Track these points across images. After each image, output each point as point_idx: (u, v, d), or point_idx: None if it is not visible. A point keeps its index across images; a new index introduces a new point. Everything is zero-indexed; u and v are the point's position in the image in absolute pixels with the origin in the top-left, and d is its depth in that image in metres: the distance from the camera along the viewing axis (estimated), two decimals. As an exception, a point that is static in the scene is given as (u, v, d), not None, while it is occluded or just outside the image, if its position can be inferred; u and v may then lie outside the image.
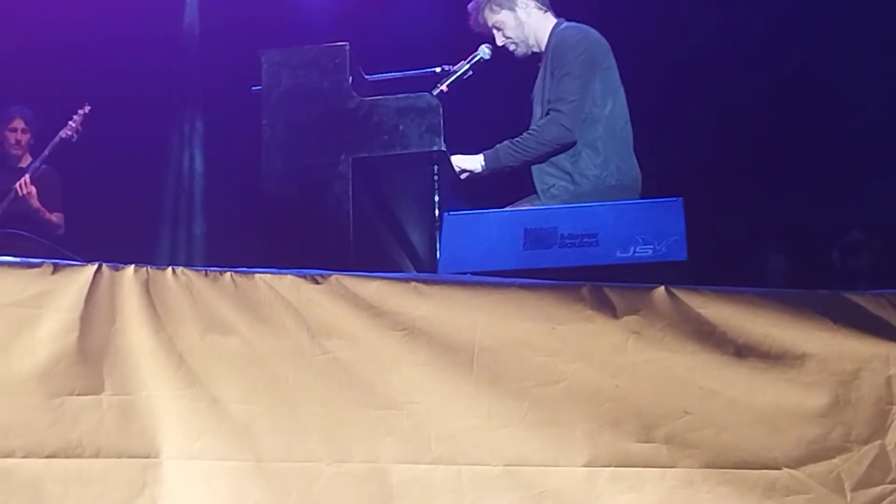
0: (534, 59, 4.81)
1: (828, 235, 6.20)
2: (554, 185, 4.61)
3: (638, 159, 4.72)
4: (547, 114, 4.62)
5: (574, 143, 4.57)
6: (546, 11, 4.78)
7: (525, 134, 4.63)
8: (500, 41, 4.79)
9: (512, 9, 4.76)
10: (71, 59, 7.08)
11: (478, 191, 4.80)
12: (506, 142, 4.66)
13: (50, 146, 6.61)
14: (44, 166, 6.60)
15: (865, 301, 2.99)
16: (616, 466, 2.83)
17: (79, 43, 7.12)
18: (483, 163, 4.67)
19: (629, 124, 4.71)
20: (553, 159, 4.62)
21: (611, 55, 4.69)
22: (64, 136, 6.62)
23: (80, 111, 6.66)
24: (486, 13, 4.78)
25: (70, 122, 6.64)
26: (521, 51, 4.81)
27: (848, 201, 6.24)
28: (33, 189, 6.52)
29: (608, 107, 4.61)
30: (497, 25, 4.79)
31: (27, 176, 6.55)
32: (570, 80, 4.57)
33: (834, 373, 2.91)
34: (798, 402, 2.87)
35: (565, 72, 4.58)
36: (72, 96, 6.81)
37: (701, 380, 2.88)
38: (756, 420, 2.86)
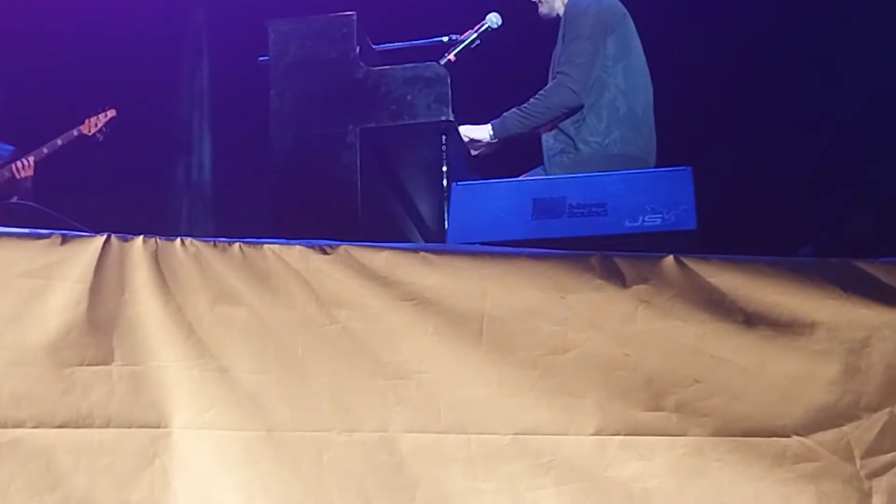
0: (552, 24, 4.78)
1: (838, 210, 6.19)
2: (559, 151, 4.60)
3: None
4: (555, 78, 4.60)
5: (582, 107, 4.55)
6: None
7: (532, 99, 4.61)
8: None
9: None
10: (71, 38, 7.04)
11: (486, 161, 4.79)
12: (513, 109, 4.65)
13: (64, 138, 6.47)
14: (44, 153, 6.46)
15: (876, 269, 2.98)
16: (626, 435, 2.83)
17: (88, 16, 7.09)
18: (491, 132, 4.66)
19: (647, 95, 4.67)
20: (559, 125, 4.60)
21: (627, 21, 4.66)
22: (86, 133, 6.48)
23: (105, 113, 6.52)
24: None
25: (91, 120, 6.49)
26: (544, 10, 4.80)
27: (859, 175, 6.22)
28: (32, 173, 6.41)
29: (619, 73, 4.58)
30: None
31: (32, 159, 6.44)
32: (578, 43, 4.55)
33: (844, 341, 2.90)
34: (808, 371, 2.87)
35: (574, 35, 4.57)
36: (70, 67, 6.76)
37: (711, 348, 2.88)
38: (766, 388, 2.86)
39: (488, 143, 4.72)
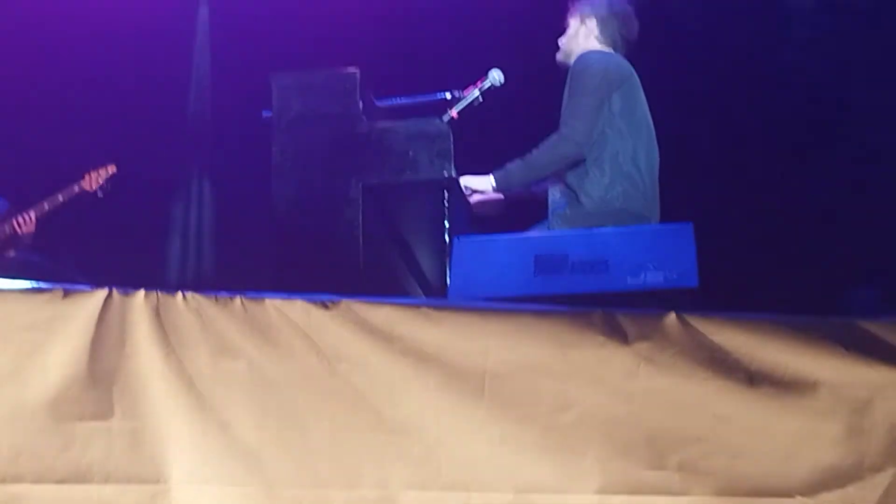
0: (558, 77, 4.83)
1: (842, 268, 6.18)
2: (563, 205, 4.61)
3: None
4: (558, 130, 4.63)
5: (584, 160, 4.57)
6: (603, 43, 4.79)
7: (534, 150, 4.63)
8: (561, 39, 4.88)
9: (581, 20, 4.85)
10: (77, 85, 7.08)
11: (489, 216, 4.80)
12: (516, 160, 4.66)
13: (65, 194, 6.46)
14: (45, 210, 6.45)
15: (878, 328, 2.97)
16: (628, 494, 2.81)
17: (87, 71, 7.13)
18: (493, 183, 4.68)
19: (651, 153, 4.69)
20: (564, 179, 4.62)
21: (633, 81, 4.70)
22: (88, 189, 6.47)
23: (105, 169, 6.53)
24: (570, 9, 4.90)
25: (92, 176, 6.50)
26: (561, 57, 4.86)
27: (863, 233, 6.23)
28: (33, 229, 6.40)
29: (623, 130, 4.61)
30: (566, 25, 4.89)
31: (33, 213, 6.43)
32: (583, 97, 4.58)
33: (847, 400, 2.89)
34: (811, 430, 2.86)
35: (580, 89, 4.60)
36: (75, 123, 6.79)
37: (713, 406, 2.86)
38: (769, 447, 2.84)
39: (490, 195, 4.73)
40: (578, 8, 4.89)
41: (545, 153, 4.61)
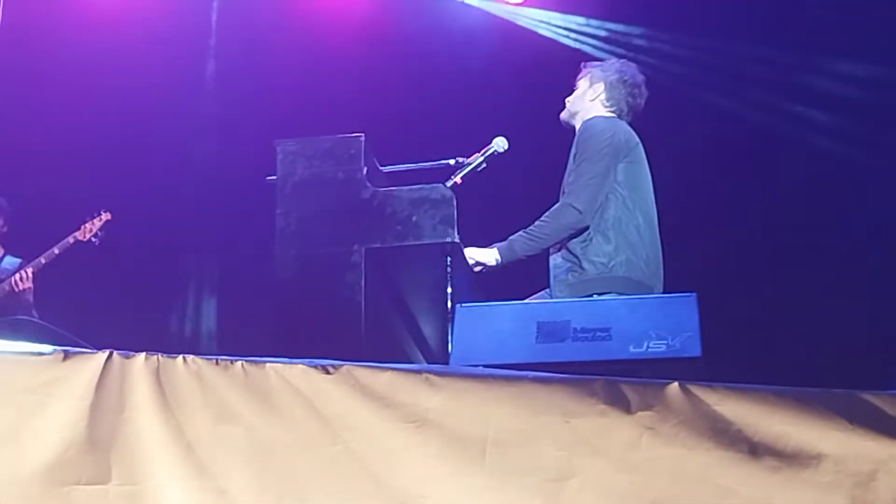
0: (567, 134, 4.85)
1: (847, 336, 6.17)
2: (565, 270, 4.60)
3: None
4: (562, 197, 4.63)
5: (587, 228, 4.57)
6: (609, 108, 4.82)
7: (538, 221, 4.63)
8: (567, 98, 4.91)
9: (590, 82, 4.88)
10: (80, 148, 7.10)
11: (491, 281, 4.79)
12: (519, 232, 4.66)
13: (60, 247, 6.45)
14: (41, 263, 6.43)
15: (882, 401, 2.95)
16: (630, 566, 2.78)
17: (90, 129, 7.17)
18: (498, 257, 4.67)
19: (653, 224, 4.70)
20: (567, 245, 4.61)
21: (639, 150, 4.71)
22: (81, 238, 6.47)
23: (99, 217, 6.54)
24: (582, 71, 4.93)
25: (86, 226, 6.49)
26: (564, 116, 4.88)
27: (874, 298, 6.22)
28: (31, 285, 6.37)
29: (627, 198, 4.61)
30: (575, 85, 4.91)
31: (30, 270, 6.41)
32: (587, 164, 4.59)
33: (850, 474, 2.86)
34: (815, 503, 2.83)
35: (586, 156, 4.61)
36: (76, 180, 6.81)
37: (717, 478, 2.84)
38: (774, 521, 2.81)
39: (492, 266, 4.72)
40: (589, 71, 4.92)
41: (549, 223, 4.61)
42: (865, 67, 6.57)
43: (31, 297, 6.36)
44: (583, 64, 5.00)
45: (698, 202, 6.20)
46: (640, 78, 4.91)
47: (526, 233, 4.65)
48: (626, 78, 4.86)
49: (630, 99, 4.84)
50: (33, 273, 6.38)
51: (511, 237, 4.67)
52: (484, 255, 4.68)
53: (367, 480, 2.84)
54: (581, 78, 4.93)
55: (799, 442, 2.88)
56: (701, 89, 6.94)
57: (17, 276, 6.34)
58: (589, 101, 4.85)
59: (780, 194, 6.60)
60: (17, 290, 6.32)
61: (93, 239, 6.47)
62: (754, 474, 2.85)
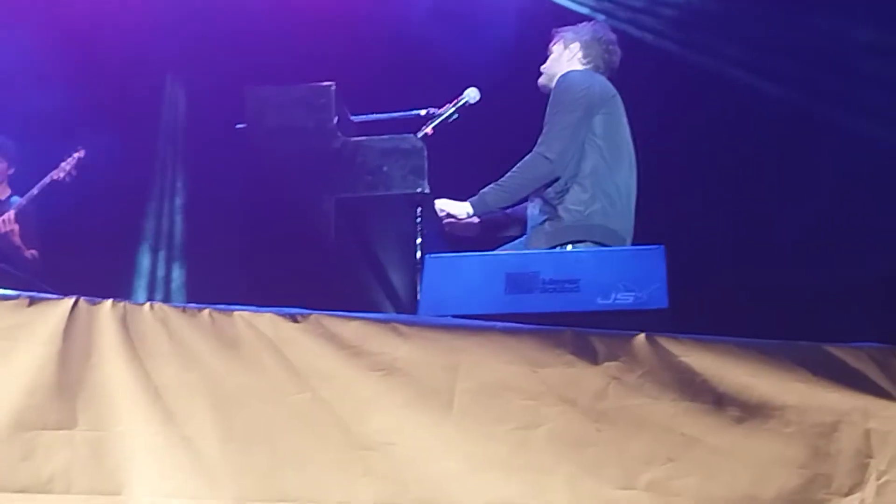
0: (542, 96, 4.84)
1: (811, 291, 6.22)
2: (542, 221, 4.61)
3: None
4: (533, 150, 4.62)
5: (558, 178, 4.56)
6: (585, 64, 4.82)
7: (509, 173, 4.62)
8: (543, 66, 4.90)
9: (564, 45, 4.86)
10: (57, 91, 7.04)
11: (465, 237, 4.78)
12: (491, 184, 4.65)
13: (39, 186, 6.45)
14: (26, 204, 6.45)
15: (845, 354, 2.99)
16: (597, 513, 2.81)
17: (65, 76, 7.10)
18: (470, 210, 4.66)
19: (630, 174, 4.70)
20: (543, 194, 4.61)
21: (616, 102, 4.70)
22: (56, 178, 6.47)
23: (74, 155, 6.52)
24: (554, 38, 4.91)
25: (62, 164, 6.49)
26: (543, 81, 4.87)
27: (840, 252, 6.27)
28: (16, 227, 6.37)
29: (605, 149, 4.61)
30: (549, 52, 4.90)
31: (12, 213, 6.41)
32: (561, 115, 4.58)
33: (813, 424, 2.90)
34: (778, 453, 2.86)
35: (559, 108, 4.60)
36: (56, 129, 6.77)
37: (682, 427, 2.87)
38: (738, 469, 2.85)
39: (466, 220, 4.71)
40: (561, 35, 4.92)
41: (520, 174, 4.60)
42: (828, 21, 6.58)
43: (17, 240, 6.35)
44: (553, 30, 4.98)
45: (666, 154, 6.20)
46: (613, 36, 4.93)
47: (497, 184, 4.63)
48: (599, 35, 4.87)
49: (606, 55, 4.85)
50: (16, 215, 6.37)
51: (483, 190, 4.66)
52: (456, 208, 4.66)
53: (334, 428, 2.85)
54: (554, 44, 4.92)
55: (763, 393, 2.92)
56: (669, 41, 6.94)
57: (4, 217, 6.33)
58: (566, 62, 4.85)
59: (748, 146, 6.62)
60: (2, 231, 6.32)
61: (66, 178, 6.46)
62: (719, 424, 2.89)
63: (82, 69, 7.10)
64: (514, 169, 4.61)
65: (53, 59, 7.00)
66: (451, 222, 4.70)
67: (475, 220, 4.71)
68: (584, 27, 4.94)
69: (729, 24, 6.83)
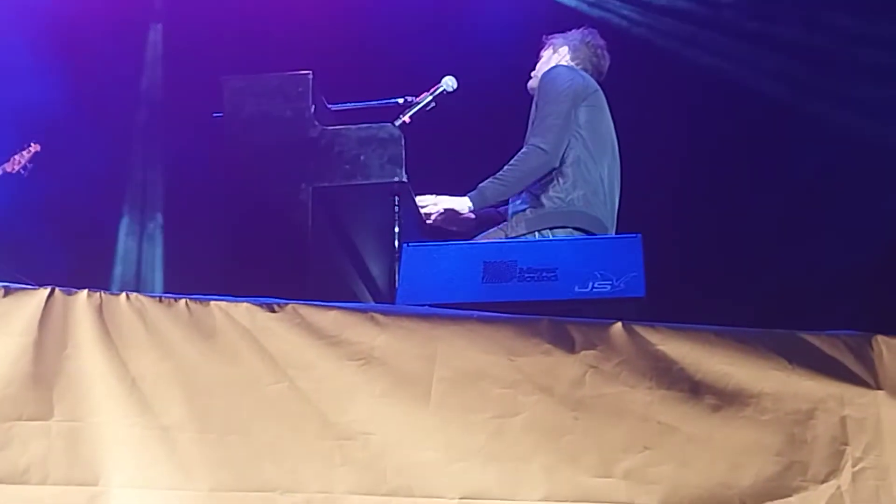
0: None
1: (793, 277, 6.25)
2: (523, 209, 4.61)
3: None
4: (528, 142, 4.63)
5: (555, 169, 4.58)
6: (576, 64, 4.84)
7: (506, 166, 4.62)
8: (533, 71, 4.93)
9: (554, 49, 4.93)
10: (29, 82, 6.99)
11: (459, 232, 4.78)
12: (489, 178, 4.65)
13: None
14: None
15: (820, 342, 3.01)
16: (574, 501, 2.82)
17: (41, 67, 7.05)
18: (470, 204, 4.66)
19: (613, 165, 4.72)
20: None
21: (599, 95, 4.73)
22: (10, 170, 6.43)
23: (29, 149, 6.48)
24: (544, 44, 4.96)
25: (16, 157, 6.45)
26: (532, 83, 4.88)
27: (815, 241, 6.30)
28: None
29: (588, 140, 4.62)
30: (539, 57, 4.95)
31: None
32: (551, 106, 4.60)
33: (789, 412, 2.92)
34: (755, 441, 2.88)
35: (548, 100, 4.62)
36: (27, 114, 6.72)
37: (659, 415, 2.88)
38: (714, 457, 2.87)
39: (466, 215, 4.71)
40: (551, 42, 4.97)
41: (517, 167, 4.60)
42: (804, 9, 6.61)
43: None
44: (544, 37, 5.01)
45: (642, 143, 6.22)
46: (603, 42, 4.96)
47: (495, 179, 4.63)
48: (588, 40, 4.92)
49: (594, 59, 4.90)
50: None
51: (480, 185, 4.66)
52: (457, 203, 4.67)
53: (311, 418, 2.85)
54: (544, 50, 4.97)
55: (739, 381, 2.93)
56: (644, 29, 6.95)
57: None
58: (555, 62, 4.87)
59: (724, 136, 6.64)
60: None
61: (21, 171, 6.42)
62: (695, 412, 2.90)
63: (57, 60, 7.05)
64: (510, 162, 4.63)
65: (27, 51, 6.95)
66: (444, 217, 4.70)
67: (472, 215, 4.72)
68: (574, 32, 4.99)
69: (703, 13, 6.86)
